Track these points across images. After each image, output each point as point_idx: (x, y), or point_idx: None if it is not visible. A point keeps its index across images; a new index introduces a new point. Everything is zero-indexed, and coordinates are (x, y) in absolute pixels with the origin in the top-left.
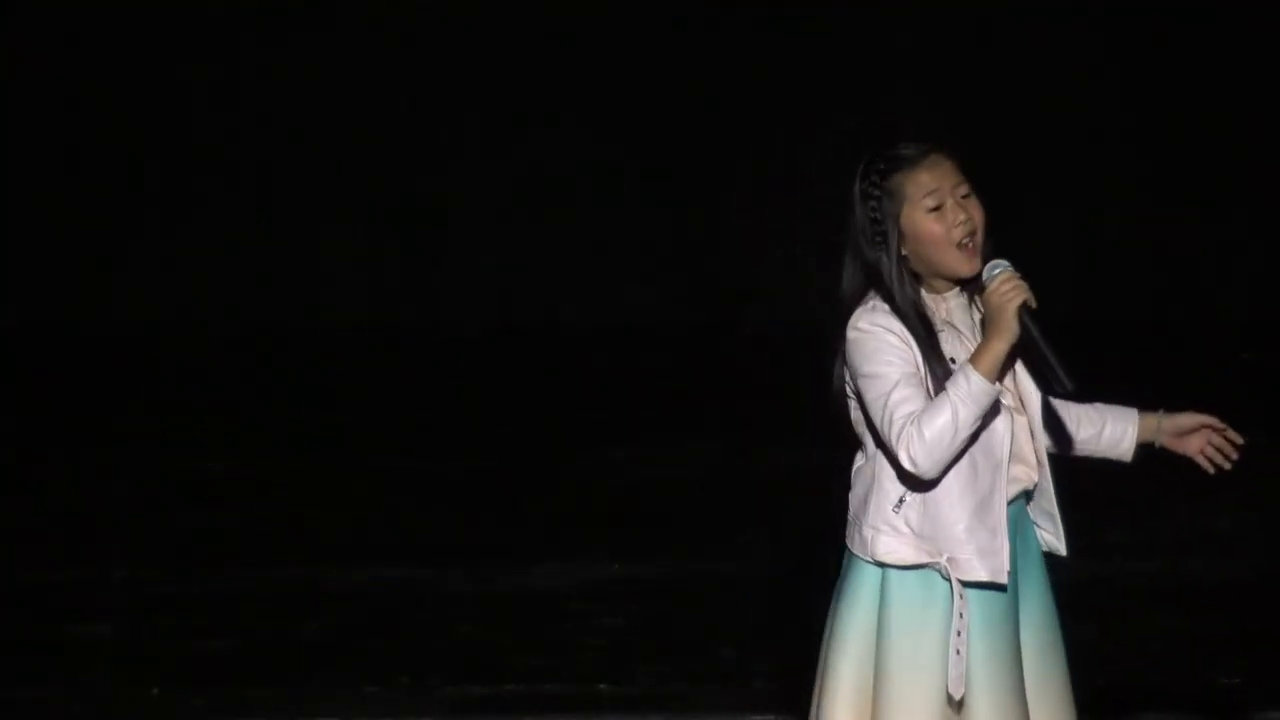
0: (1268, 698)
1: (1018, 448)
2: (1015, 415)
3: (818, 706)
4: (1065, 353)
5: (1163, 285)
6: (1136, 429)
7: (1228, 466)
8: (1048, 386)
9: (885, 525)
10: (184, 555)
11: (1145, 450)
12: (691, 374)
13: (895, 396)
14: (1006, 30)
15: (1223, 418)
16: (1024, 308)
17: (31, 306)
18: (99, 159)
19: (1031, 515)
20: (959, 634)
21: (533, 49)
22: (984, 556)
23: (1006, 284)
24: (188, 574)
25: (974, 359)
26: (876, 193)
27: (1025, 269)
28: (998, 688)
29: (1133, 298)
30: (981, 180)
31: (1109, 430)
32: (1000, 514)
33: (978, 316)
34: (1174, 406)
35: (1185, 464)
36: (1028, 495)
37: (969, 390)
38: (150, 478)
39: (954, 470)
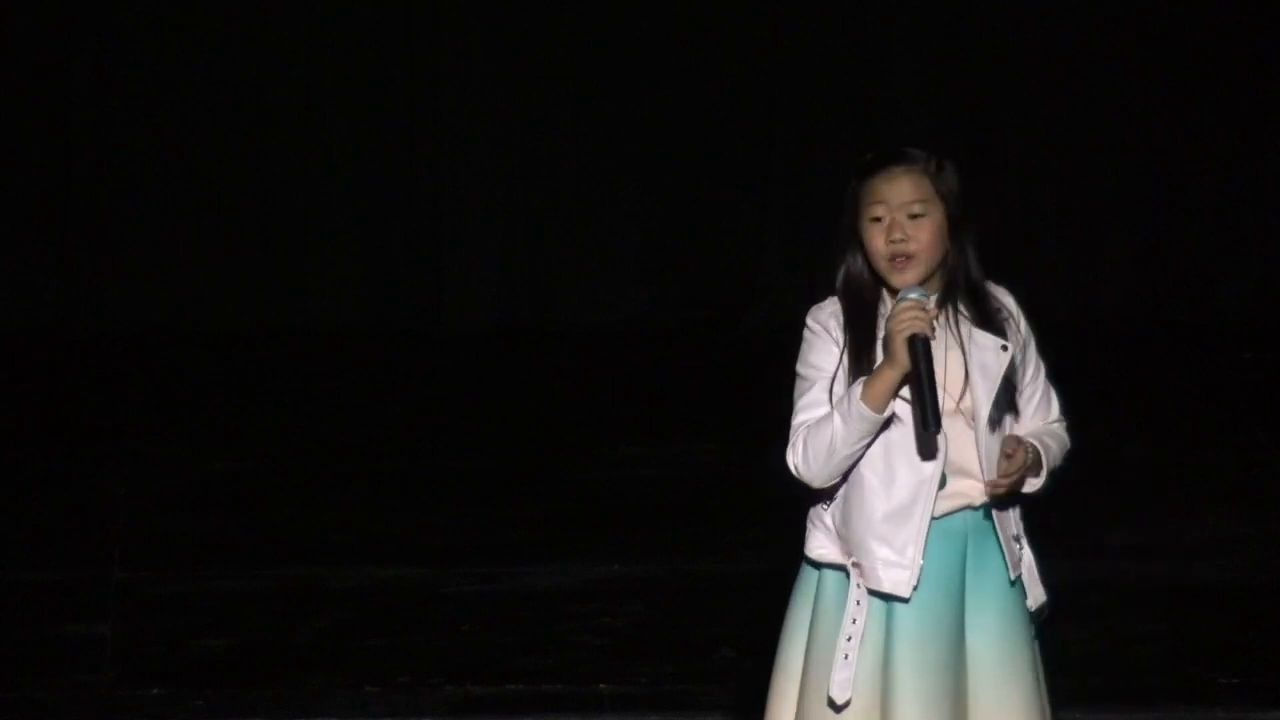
0: (1268, 698)
1: (962, 461)
2: (964, 428)
3: (766, 701)
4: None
5: (1163, 285)
6: None
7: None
8: (922, 418)
9: (818, 521)
10: (183, 555)
11: None
12: (691, 374)
13: (804, 400)
14: (1006, 27)
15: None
16: (917, 339)
17: (27, 306)
18: (95, 156)
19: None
20: (849, 639)
21: (533, 48)
22: (888, 567)
23: (906, 313)
24: (187, 574)
25: (865, 381)
26: (849, 192)
27: (1025, 269)
28: (925, 697)
29: (1133, 298)
30: (980, 179)
31: None
32: (918, 528)
33: (956, 331)
34: (1173, 407)
35: (1188, 469)
36: (992, 509)
37: (849, 411)
38: (150, 478)
39: (873, 476)
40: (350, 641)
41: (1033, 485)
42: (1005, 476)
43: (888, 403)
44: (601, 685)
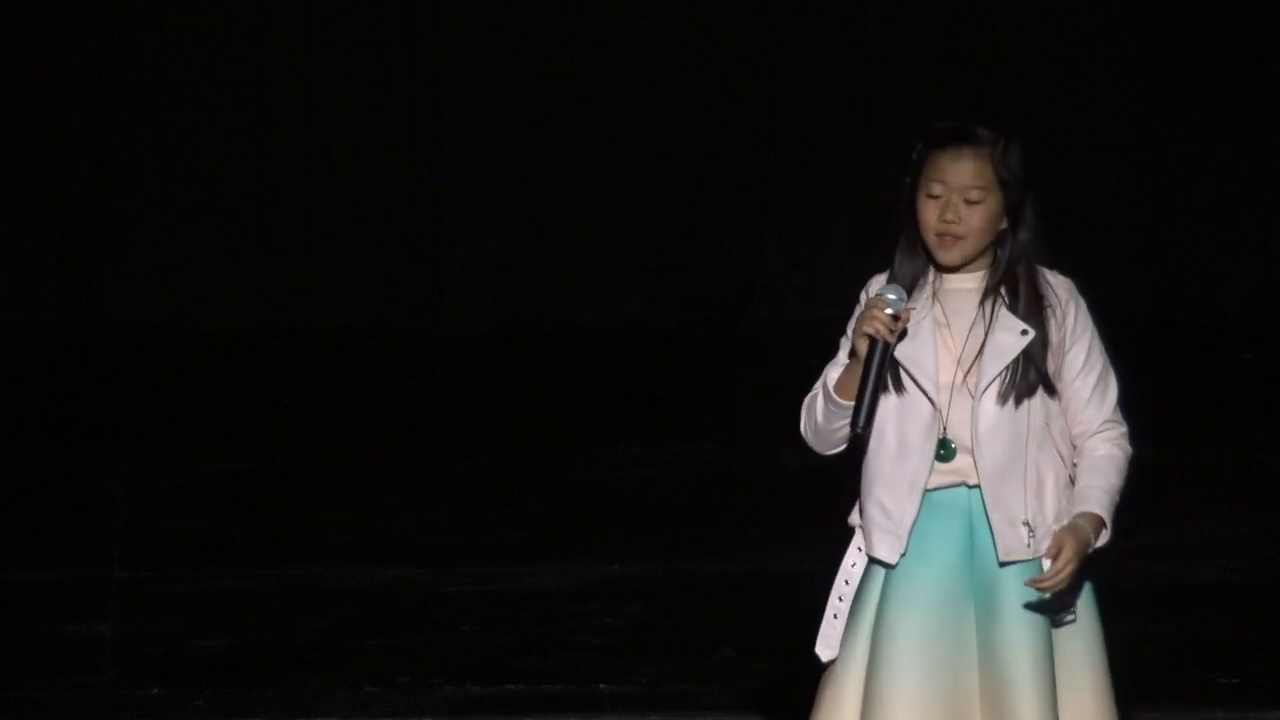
0: (1268, 698)
1: (960, 438)
2: (967, 403)
3: None
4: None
5: (1163, 285)
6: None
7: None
8: (853, 417)
9: (857, 487)
10: (183, 555)
11: None
12: (691, 374)
13: (826, 368)
14: (1006, 27)
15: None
16: (876, 341)
17: (27, 306)
18: (95, 156)
19: None
20: (840, 599)
21: (533, 48)
22: (880, 533)
23: (872, 309)
24: (187, 574)
25: (846, 365)
26: (915, 158)
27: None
28: (914, 663)
29: (1133, 298)
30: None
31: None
32: (911, 498)
33: (989, 311)
34: (1173, 407)
35: (1188, 469)
36: (983, 490)
37: (825, 391)
38: (150, 478)
39: (877, 443)
40: (350, 641)
41: (1102, 540)
42: (1050, 579)
43: (854, 390)
44: (601, 685)
